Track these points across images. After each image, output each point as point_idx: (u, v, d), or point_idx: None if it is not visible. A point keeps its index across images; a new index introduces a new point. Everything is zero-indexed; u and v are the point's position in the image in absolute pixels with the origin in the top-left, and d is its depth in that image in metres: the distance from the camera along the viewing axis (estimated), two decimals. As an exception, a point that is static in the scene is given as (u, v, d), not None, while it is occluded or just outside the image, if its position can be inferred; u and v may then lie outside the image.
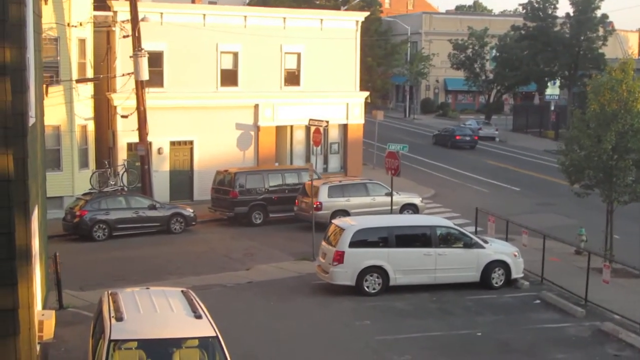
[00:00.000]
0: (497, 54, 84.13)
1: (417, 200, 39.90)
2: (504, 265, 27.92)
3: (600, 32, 77.33)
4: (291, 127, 47.82)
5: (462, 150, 68.47)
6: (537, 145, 71.22)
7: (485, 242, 28.37)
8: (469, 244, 27.79)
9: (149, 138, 40.16)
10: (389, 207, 36.52)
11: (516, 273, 28.24)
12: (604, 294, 25.93)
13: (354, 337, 22.87)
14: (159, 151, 43.42)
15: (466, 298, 26.73)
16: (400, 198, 38.92)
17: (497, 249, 28.29)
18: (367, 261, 26.70)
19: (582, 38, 76.21)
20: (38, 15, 21.98)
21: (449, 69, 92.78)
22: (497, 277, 27.84)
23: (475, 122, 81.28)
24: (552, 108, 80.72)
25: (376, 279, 26.82)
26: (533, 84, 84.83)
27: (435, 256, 27.18)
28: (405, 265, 26.99)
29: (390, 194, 36.66)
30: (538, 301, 26.73)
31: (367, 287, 26.77)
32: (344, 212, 36.98)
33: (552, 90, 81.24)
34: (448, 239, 27.86)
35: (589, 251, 27.87)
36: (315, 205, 35.85)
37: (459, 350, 21.91)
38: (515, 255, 28.26)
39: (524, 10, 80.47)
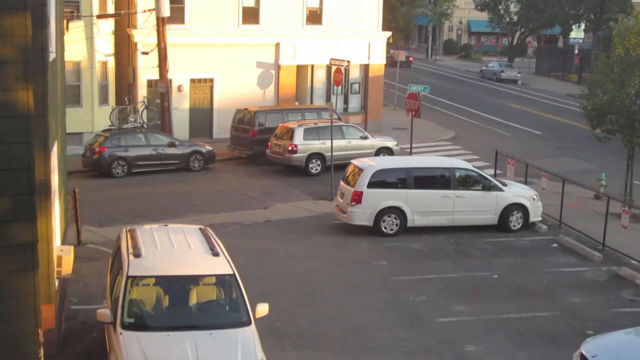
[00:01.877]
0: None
1: (391, 143, 39.23)
2: (522, 208, 27.88)
3: (628, -26, 76.22)
4: (312, 66, 47.52)
5: (485, 92, 68.03)
6: (559, 88, 70.75)
7: (504, 185, 28.30)
8: (488, 187, 27.73)
9: (169, 75, 40.06)
10: (364, 151, 37.10)
11: (534, 216, 28.21)
12: (622, 239, 25.88)
13: (370, 277, 22.97)
14: (179, 88, 43.32)
15: (483, 240, 26.75)
16: (375, 141, 38.74)
17: (516, 192, 28.22)
18: (385, 202, 26.70)
19: (609, -20, 75.17)
20: (58, -50, 21.79)
21: (473, 10, 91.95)
22: (515, 220, 27.81)
23: (498, 64, 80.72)
24: (576, 52, 79.98)
25: (394, 220, 26.85)
26: (557, 26, 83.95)
27: (454, 198, 27.15)
28: (423, 206, 26.99)
29: (365, 137, 37.63)
30: (555, 245, 26.71)
31: (385, 227, 26.81)
32: (320, 155, 36.90)
33: (577, 33, 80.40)
34: (467, 182, 27.79)
35: (608, 196, 27.80)
36: (290, 148, 36.19)
37: (474, 292, 21.97)
38: (534, 199, 28.19)
39: (551, -49, 79.38)
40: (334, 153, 35.12)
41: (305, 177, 36.35)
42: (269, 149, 38.06)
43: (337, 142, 36.39)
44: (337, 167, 34.70)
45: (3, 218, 12.03)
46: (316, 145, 37.02)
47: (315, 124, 38.19)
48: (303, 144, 36.80)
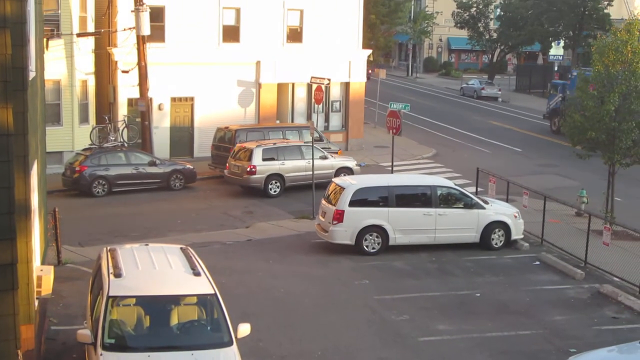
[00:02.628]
0: (502, 13, 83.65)
1: (351, 163, 38.60)
2: (504, 226, 27.90)
3: (606, -8, 76.77)
4: (293, 84, 47.54)
5: (466, 109, 68.21)
6: (540, 105, 70.90)
7: (486, 202, 28.32)
8: (470, 205, 27.74)
9: (150, 94, 39.99)
10: (324, 171, 36.74)
11: (516, 234, 28.23)
12: (604, 257, 25.93)
13: (352, 296, 22.88)
14: (160, 107, 43.21)
15: (465, 259, 26.73)
16: (335, 161, 38.15)
17: (498, 209, 28.25)
18: (367, 220, 26.66)
19: (588, -2, 75.68)
20: (38, -32, 21.70)
21: (453, 28, 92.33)
22: (497, 238, 27.83)
23: (478, 81, 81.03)
24: (556, 68, 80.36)
25: (376, 239, 26.81)
26: (537, 44, 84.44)
27: (436, 216, 27.14)
28: (405, 225, 26.95)
29: (325, 157, 37.21)
30: (537, 263, 26.73)
31: (367, 246, 26.76)
32: (279, 176, 36.36)
33: (556, 50, 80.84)
34: (448, 199, 27.80)
35: (590, 213, 27.87)
36: (248, 169, 35.72)
37: (457, 311, 21.93)
38: (515, 217, 28.22)
39: (529, -31, 79.87)
40: (293, 174, 35.87)
41: (287, 196, 36.21)
42: (226, 170, 37.34)
43: (297, 163, 36.54)
44: (296, 188, 35.47)
45: (-18, 238, 11.91)
46: (275, 166, 36.41)
47: (274, 144, 37.59)
48: (262, 165, 36.08)
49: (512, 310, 22.15)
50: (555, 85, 61.53)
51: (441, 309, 21.97)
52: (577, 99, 32.30)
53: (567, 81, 58.84)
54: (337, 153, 40.77)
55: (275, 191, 36.33)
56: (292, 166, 36.70)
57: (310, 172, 35.44)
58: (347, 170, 37.81)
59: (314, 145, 36.80)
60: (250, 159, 35.98)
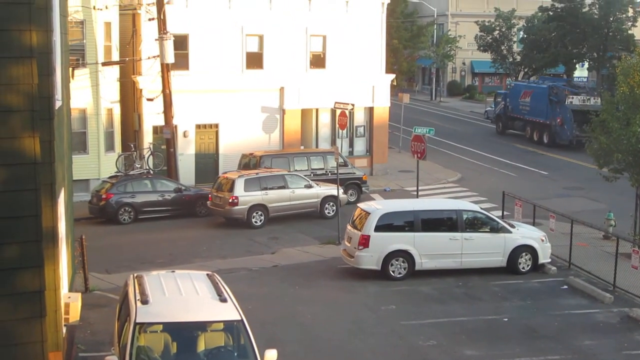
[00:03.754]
0: (525, 36, 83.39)
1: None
2: (531, 250, 27.73)
3: (630, 12, 76.32)
4: (316, 110, 47.64)
5: (490, 132, 68.08)
6: (565, 128, 70.65)
7: (512, 226, 28.17)
8: (496, 229, 27.61)
9: (175, 121, 40.20)
10: (309, 200, 36.53)
11: (543, 258, 28.04)
12: (633, 280, 25.62)
13: (379, 321, 22.79)
14: (185, 134, 43.40)
15: (492, 283, 26.58)
16: (321, 190, 37.09)
17: (524, 233, 28.09)
18: (393, 245, 26.59)
19: (611, 19, 75.27)
20: (64, -2, 21.95)
21: (476, 51, 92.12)
22: (524, 262, 27.66)
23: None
24: (580, 91, 79.97)
25: (402, 264, 26.72)
26: (561, 66, 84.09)
27: (462, 241, 27.03)
28: (431, 249, 26.86)
29: (310, 186, 36.57)
30: (565, 287, 26.52)
31: (393, 271, 26.67)
32: (262, 207, 35.45)
33: (581, 72, 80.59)
34: (474, 224, 27.69)
35: (618, 236, 27.60)
36: (230, 200, 34.94)
37: (485, 336, 21.79)
38: (542, 240, 28.05)
39: (552, -9, 79.73)
40: (277, 204, 35.49)
41: (310, 221, 36.18)
42: (209, 201, 36.61)
43: (280, 192, 35.94)
44: (280, 219, 35.33)
45: (11, 265, 11.99)
46: (258, 196, 35.44)
47: (257, 174, 36.57)
48: (244, 196, 35.15)
49: (540, 335, 21.97)
50: (499, 94, 70.86)
51: (469, 334, 21.83)
52: (603, 121, 32.12)
53: (507, 91, 69.32)
54: (362, 178, 40.74)
55: (258, 222, 35.39)
56: (276, 196, 35.81)
57: (295, 202, 36.00)
58: (334, 199, 36.65)
59: (296, 174, 37.19)
60: (232, 189, 35.13)
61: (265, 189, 35.71)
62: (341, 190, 37.18)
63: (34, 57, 11.94)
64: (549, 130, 61.00)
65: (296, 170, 39.58)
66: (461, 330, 22.16)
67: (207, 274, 17.40)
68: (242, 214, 35.18)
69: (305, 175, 39.31)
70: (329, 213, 36.85)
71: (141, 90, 42.04)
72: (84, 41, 38.85)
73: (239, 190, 35.15)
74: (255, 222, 35.36)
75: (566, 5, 77.58)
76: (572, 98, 59.11)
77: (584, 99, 59.25)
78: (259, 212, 35.47)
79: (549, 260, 28.37)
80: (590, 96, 59.80)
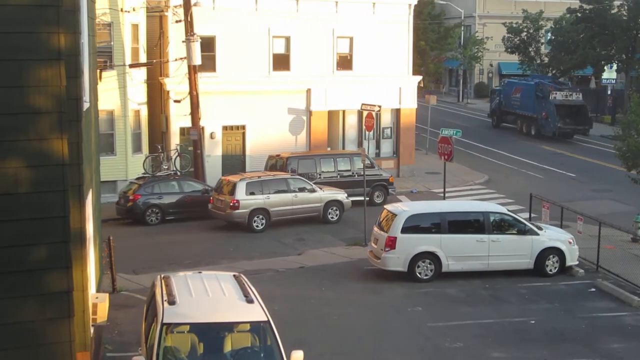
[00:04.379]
0: (553, 38, 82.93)
1: (342, 196, 36.96)
2: (558, 252, 27.61)
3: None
4: (343, 111, 47.60)
5: (517, 134, 67.85)
6: (593, 130, 70.20)
7: (540, 228, 28.05)
8: (523, 231, 27.51)
9: (202, 123, 40.32)
10: (312, 204, 36.00)
11: (571, 260, 27.90)
12: (661, 282, 25.52)
13: (405, 323, 22.77)
14: (212, 136, 43.53)
15: (519, 285, 26.48)
16: (324, 194, 36.53)
17: (552, 235, 27.97)
18: (420, 247, 26.56)
19: (640, 20, 74.87)
20: (92, 1, 22.10)
21: (503, 53, 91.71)
22: (552, 265, 27.54)
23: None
24: (609, 92, 79.52)
25: (428, 265, 26.68)
26: (589, 67, 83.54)
27: (489, 242, 26.95)
28: (458, 251, 26.81)
29: (313, 190, 36.00)
30: (593, 289, 26.37)
31: (419, 273, 26.64)
32: (264, 211, 34.88)
33: (609, 74, 79.97)
34: (501, 225, 27.60)
35: (646, 239, 27.46)
36: (231, 204, 34.40)
37: (512, 338, 21.71)
38: (570, 242, 27.91)
39: (580, -7, 79.29)
40: (279, 208, 35.00)
41: (338, 223, 36.16)
42: (210, 204, 36.11)
43: (282, 196, 35.44)
44: (283, 223, 34.87)
45: (39, 266, 12.08)
46: (260, 200, 34.93)
47: (259, 177, 36.08)
48: (245, 199, 34.62)
49: (567, 338, 21.86)
50: (494, 90, 76.38)
51: (495, 337, 21.77)
52: (631, 122, 31.93)
53: (501, 87, 73.91)
54: (389, 180, 40.71)
55: (259, 226, 34.89)
56: (278, 200, 35.30)
57: (297, 206, 35.50)
58: (337, 204, 36.54)
59: (299, 177, 36.69)
60: (233, 193, 34.64)
61: (268, 192, 35.25)
62: (344, 195, 36.99)
63: (62, 60, 12.01)
64: (535, 123, 65.81)
65: (323, 172, 39.64)
66: (488, 332, 22.09)
67: (234, 275, 17.45)
68: (243, 218, 34.69)
69: (330, 177, 39.39)
70: (332, 218, 36.47)
71: (168, 92, 42.21)
72: (112, 43, 39.09)
73: (241, 193, 34.65)
74: (257, 226, 34.86)
75: (594, 7, 77.07)
76: (556, 94, 64.34)
77: (566, 95, 64.98)
78: (260, 216, 34.95)
79: (577, 262, 28.21)
80: (572, 92, 65.98)
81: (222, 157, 44.16)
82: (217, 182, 36.73)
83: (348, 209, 36.82)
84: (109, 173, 37.35)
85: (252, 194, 34.89)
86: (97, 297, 17.90)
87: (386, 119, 48.90)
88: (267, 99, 44.69)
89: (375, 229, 27.81)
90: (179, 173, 39.68)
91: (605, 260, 28.45)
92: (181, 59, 40.05)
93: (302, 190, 36.01)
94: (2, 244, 11.84)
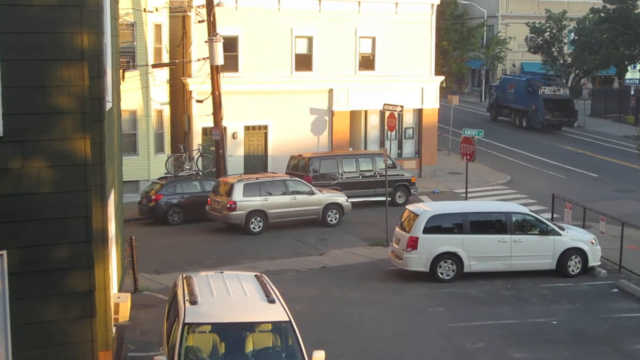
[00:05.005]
0: (576, 37, 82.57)
1: (341, 199, 36.44)
2: (580, 252, 27.49)
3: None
4: (365, 111, 47.61)
5: (540, 134, 67.61)
6: (616, 130, 69.89)
7: (562, 229, 27.94)
8: (545, 231, 27.42)
9: (224, 123, 40.39)
10: (311, 207, 35.48)
11: (593, 261, 27.78)
12: (685, 284, 25.37)
13: (427, 323, 22.74)
14: (234, 136, 43.63)
15: (541, 286, 26.39)
16: (323, 197, 35.97)
17: (574, 236, 27.85)
18: (442, 247, 26.51)
19: (664, 21, 74.40)
20: (115, 1, 22.20)
21: (526, 53, 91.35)
22: (574, 265, 27.43)
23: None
24: (632, 92, 79.07)
25: (450, 266, 26.63)
26: (612, 67, 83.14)
27: (511, 243, 26.87)
28: (480, 251, 26.74)
29: (312, 192, 35.48)
30: (616, 290, 26.24)
31: (441, 273, 26.59)
32: (261, 213, 34.45)
33: (632, 74, 79.51)
34: (524, 226, 27.51)
35: (669, 239, 27.31)
36: (228, 205, 33.95)
37: (533, 339, 21.64)
38: (592, 243, 27.79)
39: (604, -7, 78.88)
40: (277, 210, 34.57)
41: (360, 223, 36.16)
42: (208, 205, 35.64)
43: (280, 199, 34.92)
44: (280, 227, 34.55)
45: (61, 266, 12.15)
46: (257, 202, 34.45)
47: (257, 178, 35.64)
48: (242, 201, 34.09)
49: (590, 339, 21.77)
50: (492, 86, 79.95)
51: (517, 337, 21.70)
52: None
53: (498, 84, 77.91)
54: (410, 180, 40.68)
55: (256, 228, 34.43)
56: (276, 202, 34.81)
57: (295, 209, 35.09)
58: (337, 207, 36.08)
59: (298, 179, 36.30)
60: (230, 194, 34.19)
61: (265, 194, 34.79)
62: (345, 198, 36.54)
63: (85, 60, 12.09)
64: (526, 116, 70.52)
65: (345, 172, 39.64)
66: (509, 332, 22.03)
67: (256, 275, 17.46)
68: (239, 220, 34.27)
69: (352, 177, 39.38)
70: (331, 221, 35.93)
71: (191, 92, 42.34)
72: (135, 43, 39.26)
73: (238, 195, 34.17)
74: (254, 228, 34.42)
75: (618, 7, 76.66)
76: (544, 89, 68.75)
77: (554, 90, 69.42)
78: (258, 218, 34.51)
79: (599, 263, 28.10)
80: (560, 87, 70.62)
81: (244, 157, 44.26)
82: (215, 183, 36.34)
83: (348, 212, 36.42)
84: (131, 173, 37.53)
85: (250, 195, 34.42)
86: (119, 297, 17.98)
87: (408, 119, 48.86)
88: (289, 99, 44.76)
89: (397, 229, 27.79)
90: (201, 173, 39.81)
91: (628, 260, 28.31)
92: (204, 59, 40.14)
93: (300, 192, 35.58)
94: (25, 244, 11.92)
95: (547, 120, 68.30)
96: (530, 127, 69.53)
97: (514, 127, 70.81)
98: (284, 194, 35.31)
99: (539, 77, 73.92)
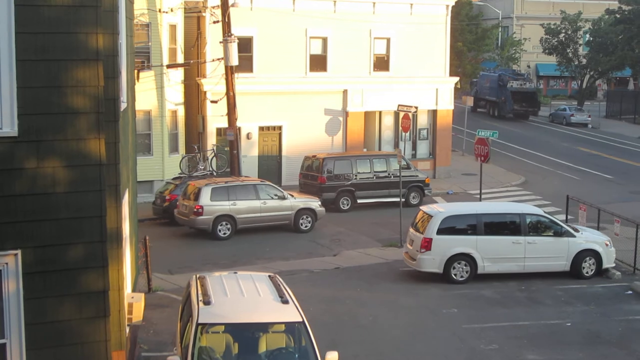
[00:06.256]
0: (591, 39, 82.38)
1: (315, 204, 35.52)
2: (595, 254, 27.41)
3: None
4: (380, 112, 47.57)
5: (554, 136, 67.44)
6: (631, 132, 69.71)
7: (576, 230, 27.88)
8: (559, 233, 27.35)
9: (238, 123, 40.41)
10: (282, 212, 34.62)
11: (607, 263, 27.70)
12: (700, 286, 25.25)
13: (440, 325, 22.71)
14: (248, 136, 43.68)
15: (555, 287, 26.33)
16: (295, 202, 35.01)
17: (588, 237, 27.77)
18: (455, 248, 26.49)
19: (679, 22, 74.18)
20: (130, 2, 22.26)
21: (541, 54, 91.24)
22: (588, 267, 27.35)
23: (568, 108, 79.96)
24: (647, 94, 78.90)
25: (464, 267, 26.59)
26: (628, 69, 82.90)
27: (525, 244, 26.81)
28: (494, 253, 26.69)
29: (283, 197, 34.64)
30: (630, 292, 26.16)
31: (455, 274, 26.56)
32: (229, 218, 33.62)
33: (647, 75, 79.38)
34: (538, 227, 27.45)
35: (684, 242, 27.18)
36: (195, 210, 33.24)
37: (547, 341, 21.59)
38: (606, 245, 27.71)
39: (619, -6, 78.68)
40: (246, 215, 33.86)
41: (374, 224, 36.14)
42: (176, 209, 34.89)
43: (250, 203, 34.13)
44: (249, 231, 33.94)
45: (75, 266, 12.18)
46: (225, 206, 33.64)
47: (226, 182, 34.66)
48: (210, 205, 33.33)
49: (603, 341, 21.70)
50: (472, 82, 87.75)
51: (531, 339, 21.65)
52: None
53: (477, 79, 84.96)
54: (425, 181, 40.65)
55: (224, 233, 33.61)
56: (246, 207, 33.95)
57: (266, 214, 34.29)
58: (310, 212, 35.15)
59: (268, 183, 35.67)
60: (197, 198, 33.43)
61: (234, 199, 33.90)
62: (318, 203, 35.85)
63: (100, 60, 12.12)
64: (497, 107, 78.79)
65: (359, 173, 39.64)
66: (523, 334, 21.98)
67: (269, 276, 17.47)
68: (207, 225, 33.50)
69: (366, 178, 39.37)
70: (304, 227, 35.03)
71: (205, 92, 42.41)
72: (149, 44, 39.36)
73: (205, 199, 33.40)
74: (223, 233, 33.63)
75: (633, 8, 76.46)
76: (512, 82, 77.02)
77: (521, 83, 77.77)
78: (225, 223, 33.70)
79: (614, 265, 28.02)
80: (526, 81, 79.07)
81: (258, 157, 44.30)
82: (184, 187, 35.53)
83: (321, 217, 35.68)
84: (145, 173, 37.61)
85: (218, 200, 33.63)
86: (132, 297, 18.00)
87: (423, 120, 48.81)
88: (303, 100, 44.77)
89: (411, 230, 27.77)
90: (215, 173, 39.81)
91: (643, 263, 28.23)
92: (218, 59, 40.18)
93: (271, 197, 34.79)
94: (40, 244, 11.97)
95: (515, 110, 77.29)
96: (500, 116, 77.74)
97: (488, 117, 78.72)
98: (254, 198, 34.47)
99: (509, 73, 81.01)
